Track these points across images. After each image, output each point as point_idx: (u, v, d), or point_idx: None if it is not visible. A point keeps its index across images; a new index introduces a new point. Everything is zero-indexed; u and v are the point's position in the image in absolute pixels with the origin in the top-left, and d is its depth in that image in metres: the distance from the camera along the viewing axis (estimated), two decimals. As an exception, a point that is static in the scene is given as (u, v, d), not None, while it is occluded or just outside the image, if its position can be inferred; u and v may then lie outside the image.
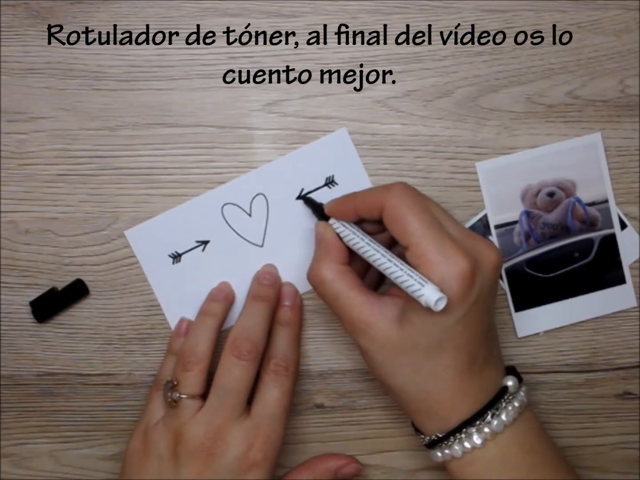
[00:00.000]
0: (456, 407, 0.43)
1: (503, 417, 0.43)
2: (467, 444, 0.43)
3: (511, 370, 0.46)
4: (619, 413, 0.52)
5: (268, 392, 0.46)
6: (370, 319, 0.43)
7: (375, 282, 0.49)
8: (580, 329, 0.52)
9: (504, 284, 0.51)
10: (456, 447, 0.43)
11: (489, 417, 0.43)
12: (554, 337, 0.52)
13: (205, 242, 0.50)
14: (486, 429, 0.43)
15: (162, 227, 0.50)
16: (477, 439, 0.43)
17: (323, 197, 0.49)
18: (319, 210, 0.48)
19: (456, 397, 0.43)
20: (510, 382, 0.45)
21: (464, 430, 0.43)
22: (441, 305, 0.40)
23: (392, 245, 0.46)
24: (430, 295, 0.40)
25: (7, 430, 0.51)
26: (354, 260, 0.46)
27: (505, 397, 0.44)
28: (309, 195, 0.49)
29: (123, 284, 0.50)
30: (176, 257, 0.50)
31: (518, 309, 0.51)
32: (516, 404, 0.44)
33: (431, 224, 0.42)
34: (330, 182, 0.50)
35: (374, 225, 0.46)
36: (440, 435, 0.44)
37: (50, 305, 0.50)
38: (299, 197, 0.50)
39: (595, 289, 0.51)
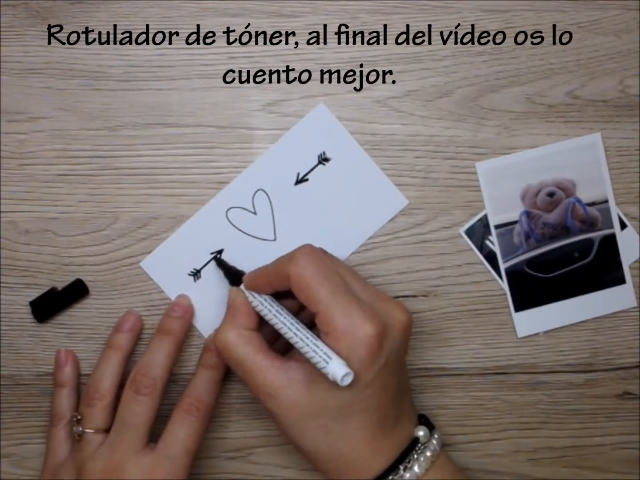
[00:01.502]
0: (368, 464, 0.44)
1: (415, 469, 0.43)
2: None
3: (422, 418, 0.46)
4: (619, 413, 0.52)
5: (174, 431, 0.46)
6: (276, 384, 0.43)
7: (287, 346, 0.48)
8: (580, 329, 0.52)
9: (504, 284, 0.51)
10: None
11: (401, 471, 0.43)
12: (554, 337, 0.52)
13: (220, 252, 0.50)
14: None
15: (175, 249, 0.50)
16: None
17: (320, 176, 0.49)
18: (230, 275, 0.48)
19: (368, 456, 0.43)
20: (421, 432, 0.45)
21: None
22: (347, 381, 0.41)
23: (302, 310, 0.47)
24: (335, 371, 0.40)
25: (7, 430, 0.51)
26: (267, 325, 0.46)
27: (417, 448, 0.44)
28: (221, 258, 0.49)
29: (123, 284, 0.50)
30: (196, 273, 0.50)
31: (518, 309, 0.51)
32: (428, 454, 0.44)
33: (337, 290, 0.42)
34: (323, 159, 0.50)
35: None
36: None
37: (50, 305, 0.50)
38: (296, 182, 0.50)
39: (595, 289, 0.51)
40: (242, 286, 0.47)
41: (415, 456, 0.44)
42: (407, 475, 0.43)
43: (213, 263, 0.50)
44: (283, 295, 0.46)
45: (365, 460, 0.43)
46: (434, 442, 0.45)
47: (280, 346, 0.48)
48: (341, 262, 0.45)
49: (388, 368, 0.43)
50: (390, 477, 0.43)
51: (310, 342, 0.42)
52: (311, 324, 0.44)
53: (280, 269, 0.44)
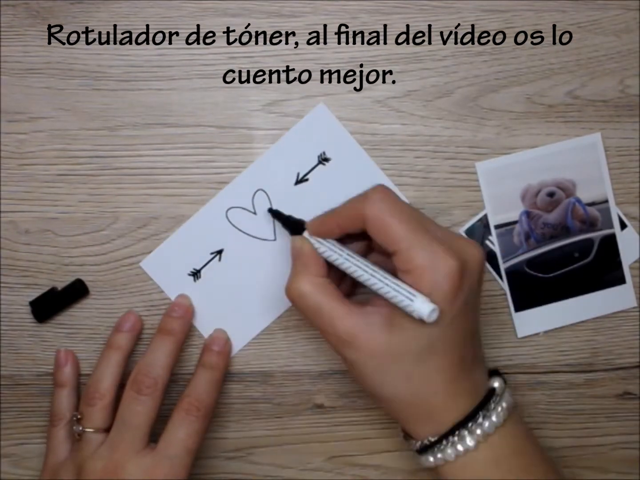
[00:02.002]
0: (449, 409, 0.43)
1: (494, 418, 0.43)
2: (460, 447, 0.43)
3: (495, 372, 0.46)
4: (619, 413, 0.52)
5: (174, 431, 0.46)
6: (355, 330, 0.42)
7: (348, 290, 0.48)
8: (580, 329, 0.52)
9: (504, 284, 0.51)
10: (449, 451, 0.43)
11: (480, 418, 0.43)
12: (554, 337, 0.52)
13: (220, 252, 0.50)
14: (478, 431, 0.43)
15: (174, 249, 0.50)
16: (470, 441, 0.43)
17: (319, 176, 0.49)
18: (290, 225, 0.47)
19: (449, 400, 0.43)
20: (497, 384, 0.45)
21: (457, 432, 0.43)
22: (434, 317, 0.40)
23: (368, 252, 0.46)
24: (421, 308, 0.40)
25: (7, 430, 0.51)
26: (329, 271, 0.45)
27: (494, 399, 0.44)
28: (277, 209, 0.49)
29: (123, 284, 0.50)
30: (196, 273, 0.50)
31: (518, 309, 0.51)
32: (504, 405, 0.44)
33: (416, 228, 0.42)
34: (323, 159, 0.50)
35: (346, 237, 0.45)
36: (433, 440, 0.43)
37: (50, 305, 0.50)
38: (296, 182, 0.50)
39: (595, 289, 0.51)
40: (305, 234, 0.46)
41: (493, 406, 0.43)
42: (486, 424, 0.43)
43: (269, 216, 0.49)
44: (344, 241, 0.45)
45: (444, 404, 0.43)
46: (508, 395, 0.45)
47: (342, 291, 0.46)
48: (410, 204, 0.44)
49: (467, 306, 0.42)
50: (470, 424, 0.43)
51: (390, 282, 0.41)
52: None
53: (353, 209, 0.43)
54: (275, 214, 0.49)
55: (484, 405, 0.43)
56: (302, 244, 0.45)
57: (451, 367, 0.43)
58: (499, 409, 0.44)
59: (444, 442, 0.43)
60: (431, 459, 0.44)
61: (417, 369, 0.42)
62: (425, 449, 0.44)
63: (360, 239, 0.46)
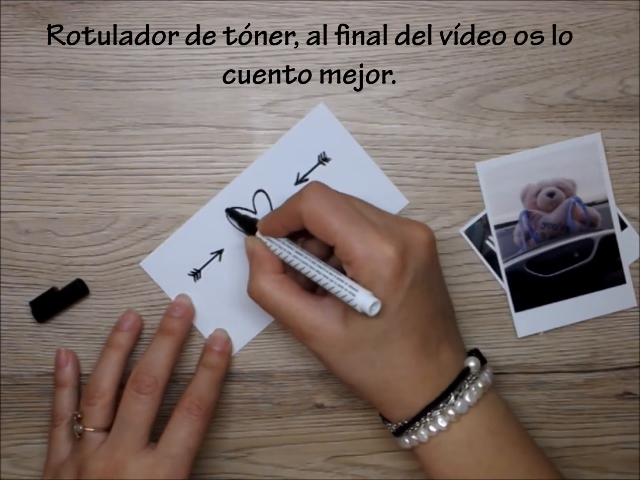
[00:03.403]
0: (418, 392, 0.44)
1: (467, 398, 0.43)
2: (432, 428, 0.43)
3: (474, 352, 0.46)
4: (619, 413, 0.52)
5: (175, 430, 0.46)
6: (314, 322, 0.43)
7: (312, 283, 0.48)
8: (580, 329, 0.52)
9: (504, 284, 0.51)
10: (422, 432, 0.44)
11: (452, 399, 0.43)
12: (554, 337, 0.52)
13: (220, 252, 0.50)
14: (450, 411, 0.43)
15: (174, 249, 0.50)
16: (441, 422, 0.43)
17: (320, 176, 0.49)
18: (243, 225, 0.48)
19: (416, 382, 0.43)
20: (472, 363, 0.45)
21: (429, 414, 0.43)
22: (376, 310, 0.41)
23: (330, 249, 0.46)
24: (363, 302, 0.41)
25: (7, 430, 0.51)
26: (291, 268, 0.46)
27: (468, 378, 0.44)
28: (235, 209, 0.49)
29: (123, 284, 0.50)
30: (196, 273, 0.50)
31: (518, 309, 0.51)
32: (480, 385, 0.44)
33: (350, 218, 0.42)
34: (323, 159, 0.50)
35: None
36: (406, 422, 0.44)
37: (50, 305, 0.50)
38: (296, 182, 0.50)
39: (595, 289, 0.51)
40: (257, 234, 0.46)
41: (467, 386, 0.44)
42: (459, 404, 0.43)
43: (225, 217, 0.49)
44: (308, 242, 0.46)
45: (414, 388, 0.43)
46: (486, 375, 0.45)
47: (310, 285, 0.47)
48: (350, 195, 0.44)
49: (418, 288, 0.42)
50: (441, 405, 0.43)
51: (334, 278, 0.42)
52: (340, 268, 0.44)
53: (291, 208, 0.43)
54: (231, 214, 0.49)
55: (456, 385, 0.44)
56: (254, 243, 0.46)
57: (413, 351, 0.43)
58: (473, 388, 0.44)
59: (417, 423, 0.44)
60: (406, 440, 0.45)
61: (379, 356, 0.43)
62: (400, 431, 0.44)
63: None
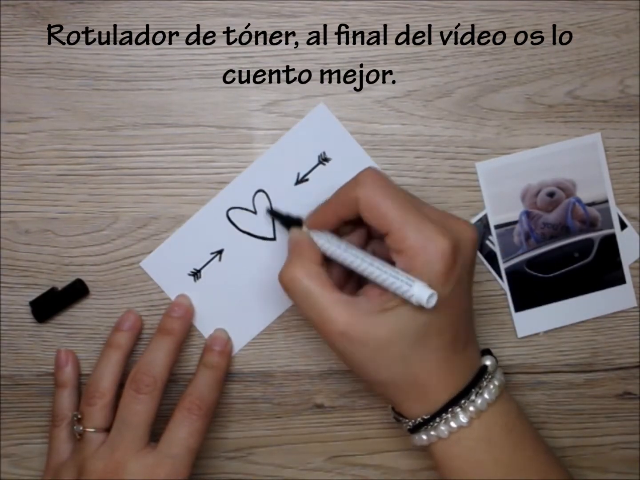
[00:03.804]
0: (443, 387, 0.44)
1: (486, 395, 0.44)
2: (453, 424, 0.43)
3: (487, 352, 0.46)
4: (619, 413, 0.52)
5: (175, 430, 0.46)
6: (347, 318, 0.42)
7: (351, 292, 0.47)
8: (580, 329, 0.52)
9: (504, 284, 0.51)
10: (442, 428, 0.44)
11: (473, 395, 0.43)
12: (554, 337, 0.52)
13: (220, 252, 0.50)
14: (471, 408, 0.43)
15: (175, 249, 0.50)
16: (463, 418, 0.43)
17: (320, 176, 0.49)
18: (289, 223, 0.47)
19: (443, 378, 0.43)
20: (488, 362, 0.45)
21: (450, 409, 0.43)
22: (433, 302, 0.40)
23: (367, 240, 0.46)
24: (420, 294, 0.40)
25: (7, 430, 0.51)
26: (333, 270, 0.45)
27: (486, 376, 0.44)
28: (275, 208, 0.49)
29: (123, 284, 0.50)
30: (196, 273, 0.50)
31: (518, 309, 0.51)
32: (496, 383, 0.44)
33: (408, 208, 0.42)
34: (323, 159, 0.50)
35: (345, 226, 0.46)
36: (426, 417, 0.44)
37: (50, 305, 0.50)
38: (297, 182, 0.50)
39: (595, 289, 0.51)
40: (304, 228, 0.46)
41: (485, 383, 0.44)
42: (479, 401, 0.43)
43: (266, 217, 0.49)
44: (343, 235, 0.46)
45: (439, 382, 0.43)
46: (499, 374, 0.45)
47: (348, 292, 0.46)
48: (401, 187, 0.44)
49: (462, 285, 0.43)
50: (463, 401, 0.43)
51: (389, 269, 0.41)
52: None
53: (346, 195, 0.43)
54: (274, 214, 0.49)
55: (477, 382, 0.44)
56: (300, 234, 0.45)
57: (446, 346, 0.43)
58: (491, 386, 0.44)
59: (437, 419, 0.44)
60: (424, 437, 0.44)
61: (413, 352, 0.43)
62: (419, 427, 0.44)
63: (358, 227, 0.46)
